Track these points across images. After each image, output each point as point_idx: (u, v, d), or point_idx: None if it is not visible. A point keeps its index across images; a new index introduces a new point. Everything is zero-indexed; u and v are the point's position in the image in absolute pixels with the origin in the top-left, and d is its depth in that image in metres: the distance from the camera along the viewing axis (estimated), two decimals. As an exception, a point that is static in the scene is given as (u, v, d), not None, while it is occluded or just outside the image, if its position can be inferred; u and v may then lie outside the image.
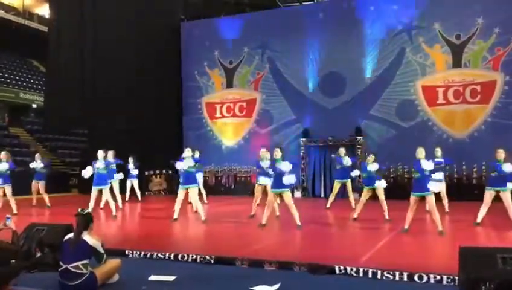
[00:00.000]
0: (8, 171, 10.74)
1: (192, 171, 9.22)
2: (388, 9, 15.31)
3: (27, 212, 11.16)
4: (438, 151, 10.23)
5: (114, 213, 10.22)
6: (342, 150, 11.52)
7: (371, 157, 9.45)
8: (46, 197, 12.44)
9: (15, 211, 10.47)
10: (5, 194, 10.81)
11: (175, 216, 9.31)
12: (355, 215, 9.30)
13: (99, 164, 10.15)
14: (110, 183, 11.02)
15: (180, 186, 9.26)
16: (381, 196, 9.05)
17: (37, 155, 13.19)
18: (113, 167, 11.73)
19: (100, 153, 10.20)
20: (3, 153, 11.03)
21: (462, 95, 14.21)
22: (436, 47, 14.67)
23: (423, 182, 7.48)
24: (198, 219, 9.26)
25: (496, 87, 13.86)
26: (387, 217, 8.98)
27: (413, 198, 7.60)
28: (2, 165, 10.65)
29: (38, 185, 12.48)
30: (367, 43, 15.51)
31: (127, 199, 13.78)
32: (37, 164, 12.59)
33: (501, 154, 8.20)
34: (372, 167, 9.23)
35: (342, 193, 12.41)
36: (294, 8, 17.15)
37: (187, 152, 9.29)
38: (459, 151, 13.56)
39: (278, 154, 8.29)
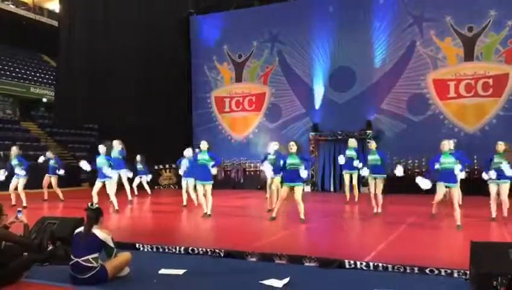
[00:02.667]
0: (22, 166, 10.91)
1: (207, 165, 8.99)
2: (398, 1, 15.13)
3: (38, 206, 11.28)
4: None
5: (116, 207, 10.17)
6: (352, 141, 11.49)
7: (373, 144, 9.35)
8: (59, 191, 12.56)
9: (25, 204, 10.60)
10: (16, 188, 10.97)
11: (205, 211, 9.17)
12: (376, 210, 9.14)
13: (101, 158, 10.17)
14: (118, 174, 10.99)
15: (197, 181, 9.20)
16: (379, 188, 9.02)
17: (48, 153, 13.20)
18: (120, 159, 11.64)
19: (101, 148, 10.23)
20: (14, 148, 11.21)
21: (474, 89, 14.03)
22: (448, 40, 14.48)
23: (450, 172, 7.46)
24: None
25: (508, 80, 13.65)
26: (376, 211, 9.00)
27: (441, 186, 7.69)
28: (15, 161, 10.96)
29: (50, 179, 12.60)
30: (377, 36, 15.34)
31: (136, 193, 13.82)
32: (49, 159, 12.70)
33: (501, 146, 8.19)
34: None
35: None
36: (303, 1, 16.98)
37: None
38: (471, 145, 13.40)
39: (293, 148, 8.25)
